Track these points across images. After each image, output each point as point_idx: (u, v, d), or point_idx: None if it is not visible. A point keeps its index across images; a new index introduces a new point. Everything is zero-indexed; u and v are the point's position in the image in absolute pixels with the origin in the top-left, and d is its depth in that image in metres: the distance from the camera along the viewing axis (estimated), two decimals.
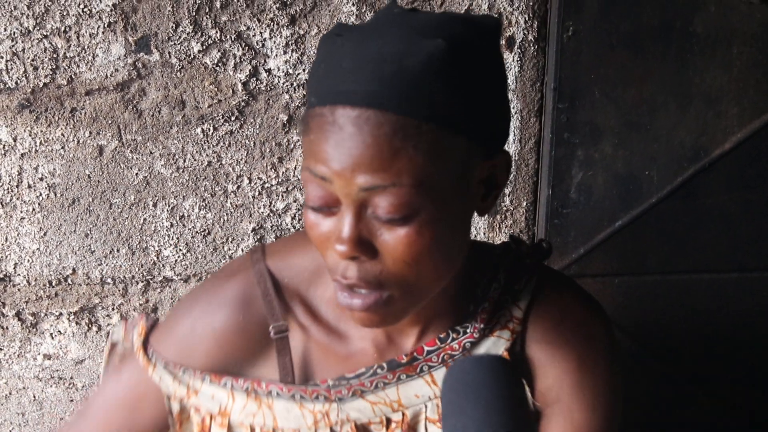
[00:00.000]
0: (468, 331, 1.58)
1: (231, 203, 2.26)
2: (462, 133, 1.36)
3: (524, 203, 2.41)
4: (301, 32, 2.16)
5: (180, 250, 2.28)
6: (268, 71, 2.17)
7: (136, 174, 2.21)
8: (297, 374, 1.61)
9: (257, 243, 2.29)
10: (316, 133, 1.34)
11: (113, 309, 2.32)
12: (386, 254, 1.35)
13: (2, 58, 2.09)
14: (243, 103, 2.19)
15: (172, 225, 2.26)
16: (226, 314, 1.58)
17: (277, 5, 2.13)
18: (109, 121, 2.16)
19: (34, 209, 2.21)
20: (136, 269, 2.29)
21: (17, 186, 2.19)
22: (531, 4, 2.21)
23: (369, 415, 1.63)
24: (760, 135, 2.37)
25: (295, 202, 2.27)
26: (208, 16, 2.12)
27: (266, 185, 2.25)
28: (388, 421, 1.64)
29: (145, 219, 2.25)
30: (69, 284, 2.28)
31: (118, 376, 1.68)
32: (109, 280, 2.29)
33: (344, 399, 1.61)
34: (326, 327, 1.61)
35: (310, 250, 1.63)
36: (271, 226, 2.28)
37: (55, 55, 2.10)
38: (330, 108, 1.32)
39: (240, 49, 2.15)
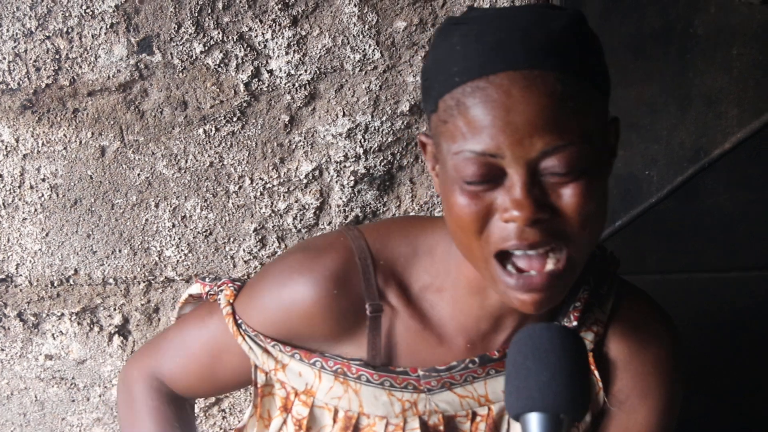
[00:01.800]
0: None
1: (233, 204, 2.27)
2: (602, 93, 1.41)
3: None
4: (303, 33, 2.16)
5: (182, 250, 2.29)
6: (270, 72, 2.18)
7: (138, 174, 2.21)
8: (383, 355, 1.62)
9: (257, 243, 2.30)
10: (475, 108, 1.33)
11: (115, 309, 2.32)
12: (564, 211, 1.36)
13: (5, 59, 2.09)
14: (245, 104, 2.19)
15: (173, 225, 2.26)
16: (320, 287, 1.57)
17: (279, 6, 2.13)
18: (111, 122, 2.16)
19: (36, 210, 2.21)
20: (138, 270, 2.29)
21: (19, 187, 2.19)
22: (532, 4, 2.22)
23: (456, 407, 1.65)
24: (759, 135, 2.38)
25: (296, 202, 2.27)
26: (210, 17, 2.12)
27: (268, 186, 2.25)
28: (474, 414, 1.66)
29: (146, 219, 2.25)
30: (71, 285, 2.28)
31: (202, 323, 1.73)
32: (111, 281, 2.29)
33: (433, 390, 1.63)
34: (419, 313, 1.62)
35: (407, 235, 1.64)
36: (273, 227, 2.29)
37: (57, 56, 2.11)
38: (488, 78, 1.33)
39: (242, 50, 2.15)
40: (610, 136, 1.48)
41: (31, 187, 2.19)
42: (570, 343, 1.27)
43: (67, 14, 2.08)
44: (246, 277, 2.32)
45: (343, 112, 2.22)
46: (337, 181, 2.27)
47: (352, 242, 1.61)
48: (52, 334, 2.33)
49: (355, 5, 2.16)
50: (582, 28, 1.40)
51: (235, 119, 2.20)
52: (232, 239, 2.30)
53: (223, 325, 1.68)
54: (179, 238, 2.28)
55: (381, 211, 2.32)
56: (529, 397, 1.22)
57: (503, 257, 1.40)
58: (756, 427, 2.65)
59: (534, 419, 1.22)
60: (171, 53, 2.14)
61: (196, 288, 1.79)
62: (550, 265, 1.39)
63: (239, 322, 1.65)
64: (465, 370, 1.62)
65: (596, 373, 1.67)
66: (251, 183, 2.25)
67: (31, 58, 2.10)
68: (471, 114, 1.33)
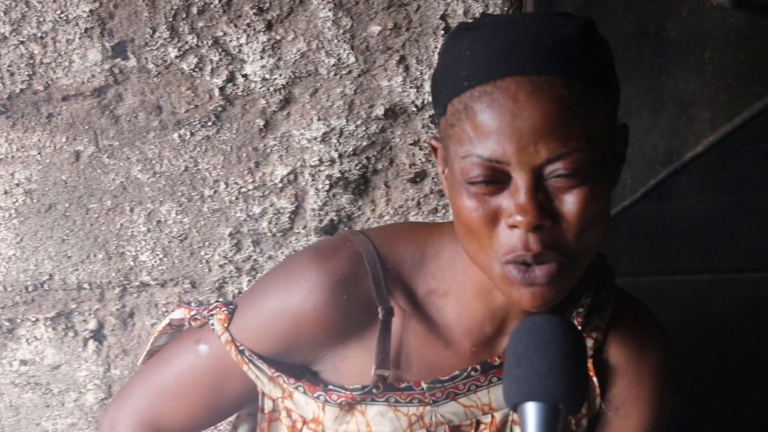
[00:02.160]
0: None
1: (208, 208, 2.27)
2: (611, 100, 1.43)
3: None
4: (278, 38, 2.17)
5: (157, 254, 2.28)
6: (245, 76, 2.18)
7: (113, 179, 2.21)
8: (393, 360, 1.61)
9: (232, 247, 2.30)
10: (482, 113, 1.34)
11: (90, 314, 2.32)
12: (566, 217, 1.37)
13: None
14: (220, 109, 2.19)
15: (148, 230, 2.26)
16: (329, 292, 1.56)
17: (254, 11, 2.14)
18: (86, 127, 2.16)
19: (10, 215, 2.21)
20: (113, 274, 2.29)
21: None
22: (506, 9, 2.23)
23: (461, 417, 1.65)
24: (731, 138, 2.40)
25: (271, 206, 2.27)
26: (184, 22, 2.12)
27: (243, 190, 2.26)
28: (478, 423, 1.67)
29: (121, 224, 2.25)
30: (45, 290, 2.28)
31: (194, 355, 1.66)
32: (85, 286, 2.28)
33: (438, 402, 1.63)
34: (425, 317, 1.62)
35: (413, 240, 1.64)
36: (248, 231, 2.29)
37: (31, 61, 2.10)
38: (495, 83, 1.34)
39: (217, 54, 2.15)
40: (619, 143, 1.49)
41: (6, 192, 2.18)
42: (570, 335, 1.29)
43: (41, 19, 2.08)
44: (221, 281, 2.32)
45: (318, 117, 2.23)
46: (312, 185, 2.27)
47: (359, 246, 1.61)
48: (27, 340, 2.32)
49: (329, 10, 2.16)
50: (591, 34, 1.42)
51: (210, 124, 2.20)
52: (207, 243, 2.30)
53: (221, 353, 1.63)
54: (154, 243, 2.27)
55: (356, 215, 2.33)
56: (529, 386, 1.23)
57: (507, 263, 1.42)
58: (731, 428, 2.67)
59: (533, 408, 1.23)
60: (146, 58, 2.14)
61: (179, 313, 1.71)
62: (552, 269, 1.40)
63: (241, 348, 1.61)
64: (468, 378, 1.63)
65: (594, 379, 1.69)
66: (226, 187, 2.25)
67: (5, 63, 2.09)
68: (478, 118, 1.35)
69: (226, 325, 1.63)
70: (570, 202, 1.37)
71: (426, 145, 2.29)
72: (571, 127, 1.33)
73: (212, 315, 1.65)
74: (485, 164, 1.35)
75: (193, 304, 1.70)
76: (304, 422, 1.65)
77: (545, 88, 1.33)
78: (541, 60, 1.34)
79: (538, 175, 1.35)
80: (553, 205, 1.37)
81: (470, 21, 1.47)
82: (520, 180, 1.35)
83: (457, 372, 1.63)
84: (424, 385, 1.62)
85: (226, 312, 1.65)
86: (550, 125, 1.32)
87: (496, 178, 1.37)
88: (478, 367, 1.63)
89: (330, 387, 1.62)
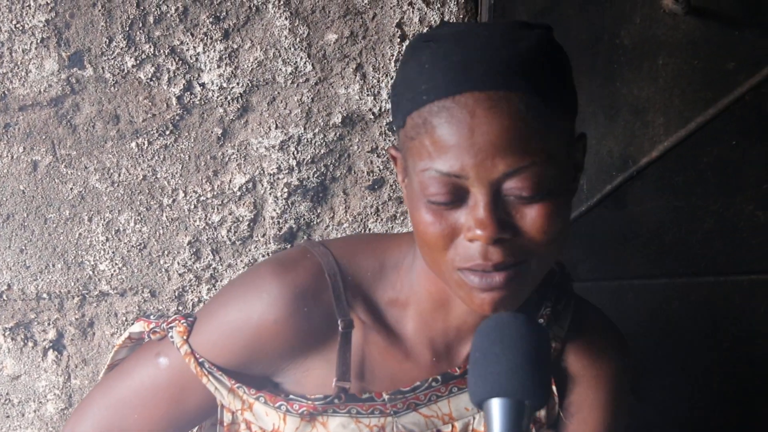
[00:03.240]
0: None
1: (166, 217, 2.27)
2: (568, 113, 1.44)
3: None
4: (235, 46, 2.17)
5: (116, 264, 2.28)
6: (202, 85, 2.19)
7: (71, 189, 2.21)
8: (354, 372, 1.61)
9: (191, 256, 2.30)
10: (441, 128, 1.35)
11: (49, 324, 2.31)
12: (526, 231, 1.39)
13: None
14: (177, 117, 2.20)
15: (107, 239, 2.26)
16: (290, 304, 1.55)
17: (211, 20, 2.14)
18: (43, 137, 2.16)
19: None
20: (72, 284, 2.28)
21: None
22: (461, 17, 2.24)
23: (422, 427, 1.65)
24: (685, 143, 2.42)
25: (230, 214, 2.28)
26: (141, 31, 2.12)
27: (201, 198, 2.26)
28: None
29: (80, 234, 2.25)
30: (4, 300, 2.27)
31: (154, 367, 1.65)
32: (44, 296, 2.28)
33: (399, 412, 1.63)
34: (385, 328, 1.62)
35: (373, 252, 1.64)
36: (207, 239, 2.29)
37: None
38: (454, 98, 1.34)
39: (174, 63, 2.16)
40: (577, 153, 1.51)
41: None
42: (536, 331, 1.30)
43: None
44: (181, 290, 2.32)
45: (276, 125, 2.23)
46: (270, 193, 2.28)
47: (320, 258, 1.61)
48: None
49: (286, 18, 2.17)
50: (550, 47, 1.43)
51: (167, 132, 2.20)
52: (166, 252, 2.30)
53: (181, 366, 1.62)
54: (113, 252, 2.27)
55: (315, 222, 2.33)
56: (496, 382, 1.23)
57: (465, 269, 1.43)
58: (688, 431, 2.69)
59: (499, 405, 1.23)
60: (102, 67, 2.14)
61: (138, 327, 1.70)
62: (511, 273, 1.42)
63: (201, 360, 1.61)
64: (429, 389, 1.63)
65: (554, 387, 1.70)
66: (185, 196, 2.25)
67: None
68: (437, 134, 1.35)
69: (185, 337, 1.63)
70: (530, 217, 1.38)
71: (384, 152, 2.30)
72: (528, 141, 1.34)
73: (171, 327, 1.65)
74: (444, 179, 1.36)
75: (152, 317, 1.70)
76: None
77: (502, 103, 1.33)
78: (498, 75, 1.35)
79: (496, 190, 1.37)
80: (513, 220, 1.39)
81: (429, 32, 1.47)
82: (478, 195, 1.36)
83: (418, 383, 1.63)
84: (385, 396, 1.62)
85: (185, 324, 1.65)
86: (508, 140, 1.33)
87: (455, 194, 1.38)
88: (439, 377, 1.64)
89: (291, 396, 1.62)
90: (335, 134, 2.27)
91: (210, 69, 2.18)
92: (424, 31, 2.20)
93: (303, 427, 1.62)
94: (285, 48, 2.19)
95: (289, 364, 1.62)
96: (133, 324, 1.72)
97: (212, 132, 2.22)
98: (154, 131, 2.20)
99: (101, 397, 1.70)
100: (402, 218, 2.36)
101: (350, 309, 1.60)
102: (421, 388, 1.63)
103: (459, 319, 1.62)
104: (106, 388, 1.70)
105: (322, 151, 2.27)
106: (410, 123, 1.41)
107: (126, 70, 2.15)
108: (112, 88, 2.15)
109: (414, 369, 1.64)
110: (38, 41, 2.10)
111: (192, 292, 2.34)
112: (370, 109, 2.26)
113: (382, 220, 2.36)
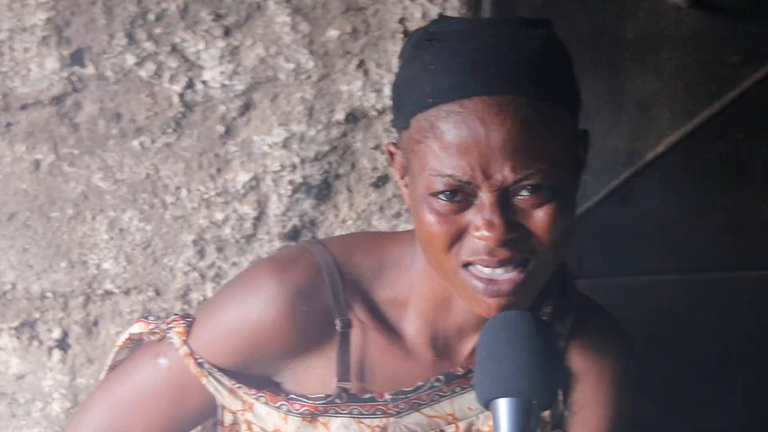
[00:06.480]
0: None
1: (170, 215, 2.26)
2: (573, 112, 1.43)
3: None
4: (236, 43, 2.17)
5: (120, 262, 2.28)
6: (204, 83, 2.18)
7: (74, 188, 2.21)
8: (354, 372, 1.60)
9: (196, 254, 2.30)
10: (449, 133, 1.34)
11: (54, 323, 2.31)
12: (533, 232, 1.38)
13: None
14: (180, 115, 2.19)
15: (111, 238, 2.26)
16: (290, 303, 1.54)
17: (212, 17, 2.14)
18: (45, 135, 2.16)
19: None
20: (76, 283, 2.28)
21: None
22: (463, 12, 2.23)
23: (425, 428, 1.64)
24: (691, 138, 2.40)
25: (234, 212, 2.27)
26: (142, 29, 2.12)
27: (205, 196, 2.26)
28: None
29: (83, 232, 2.25)
30: (9, 299, 2.27)
31: (154, 369, 1.64)
32: (49, 295, 2.28)
33: (402, 413, 1.62)
34: (385, 327, 1.61)
35: (371, 250, 1.63)
36: (211, 238, 2.29)
37: None
38: (461, 102, 1.34)
39: (175, 61, 2.16)
40: (580, 150, 1.50)
41: None
42: (543, 330, 1.29)
43: None
44: (185, 288, 2.32)
45: (279, 122, 2.23)
46: (274, 191, 2.28)
47: (318, 257, 1.59)
48: None
49: (287, 15, 2.17)
50: (555, 47, 1.42)
51: (170, 130, 2.20)
52: (170, 251, 2.29)
53: (180, 367, 1.61)
54: (117, 251, 2.27)
55: (319, 220, 2.33)
56: (503, 381, 1.23)
57: (470, 263, 1.42)
58: (696, 429, 2.67)
59: (506, 404, 1.23)
60: (104, 65, 2.14)
61: (137, 327, 1.68)
62: (516, 274, 1.40)
63: (200, 361, 1.60)
64: (431, 389, 1.62)
65: None
66: (188, 194, 2.25)
67: None
68: (445, 139, 1.34)
69: (184, 338, 1.61)
70: (538, 218, 1.37)
71: None
72: (537, 146, 1.34)
73: (170, 328, 1.63)
74: (451, 183, 1.35)
75: (151, 318, 1.69)
76: None
77: (511, 108, 1.33)
78: (506, 79, 1.34)
79: (504, 193, 1.36)
80: (520, 220, 1.38)
81: (431, 28, 1.45)
82: (486, 199, 1.35)
83: (420, 383, 1.62)
84: (387, 396, 1.61)
85: (184, 325, 1.63)
86: (517, 145, 1.32)
87: (462, 196, 1.37)
88: (441, 377, 1.62)
89: (292, 396, 1.61)
90: (338, 131, 2.26)
91: (212, 66, 2.18)
92: None
93: (304, 427, 1.61)
94: (287, 45, 2.19)
95: (288, 364, 1.61)
96: (132, 325, 1.71)
97: (215, 130, 2.22)
98: (157, 129, 2.19)
99: (102, 399, 1.69)
100: (407, 215, 2.35)
101: (349, 308, 1.58)
102: (423, 388, 1.62)
103: (460, 318, 1.60)
104: (107, 391, 1.69)
105: (326, 149, 2.27)
106: (415, 125, 1.40)
107: (127, 68, 2.15)
108: (114, 86, 2.16)
109: (415, 368, 1.63)
110: (39, 40, 2.10)
111: (197, 290, 2.33)
112: (373, 106, 2.26)
113: (386, 217, 2.35)
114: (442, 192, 1.37)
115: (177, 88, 2.17)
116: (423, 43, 1.42)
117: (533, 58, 1.36)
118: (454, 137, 1.34)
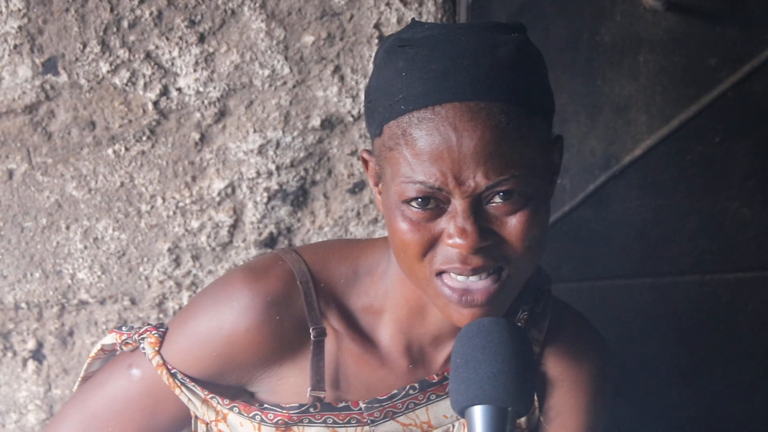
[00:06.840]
0: None
1: (145, 223, 2.25)
2: (546, 117, 1.44)
3: None
4: (211, 50, 2.15)
5: (95, 272, 2.26)
6: (179, 90, 2.17)
7: (48, 197, 2.19)
8: (328, 381, 1.60)
9: (171, 263, 2.28)
10: (421, 140, 1.34)
11: (28, 334, 2.29)
12: (507, 239, 1.38)
13: None
14: (154, 123, 2.18)
15: (85, 247, 2.24)
16: (262, 313, 1.54)
17: (186, 23, 2.12)
18: (18, 144, 2.14)
19: None
20: (51, 293, 2.26)
21: None
22: (439, 17, 2.23)
23: None
24: (668, 141, 2.40)
25: (210, 220, 2.26)
26: (115, 36, 2.10)
27: (180, 204, 2.24)
28: None
29: (58, 242, 2.23)
30: None
31: (127, 379, 1.63)
32: (23, 305, 2.26)
33: (377, 421, 1.62)
34: (360, 335, 1.61)
35: (346, 257, 1.63)
36: (187, 246, 2.28)
37: None
38: (434, 109, 1.34)
39: (149, 68, 2.14)
40: (554, 155, 1.50)
41: None
42: (518, 337, 1.29)
43: None
44: (161, 297, 2.30)
45: (254, 129, 2.22)
46: (250, 198, 2.26)
47: (291, 265, 1.59)
48: None
49: (262, 21, 2.15)
50: (527, 51, 1.42)
51: (144, 138, 2.18)
52: (145, 259, 2.28)
53: (153, 377, 1.60)
54: (92, 260, 2.25)
55: (295, 227, 2.32)
56: (478, 388, 1.23)
57: (443, 271, 1.42)
58: (672, 430, 2.68)
59: (482, 412, 1.22)
60: (77, 73, 2.12)
61: (110, 338, 1.67)
62: (490, 283, 1.40)
63: (173, 371, 1.59)
64: (406, 397, 1.62)
65: None
66: (163, 202, 2.24)
67: None
68: (417, 146, 1.34)
69: (157, 348, 1.61)
70: (511, 226, 1.38)
71: None
72: (509, 152, 1.34)
73: (143, 339, 1.62)
74: (424, 190, 1.35)
75: (124, 328, 1.67)
76: None
77: (483, 114, 1.33)
78: (478, 85, 1.34)
79: (477, 200, 1.36)
80: (493, 227, 1.38)
81: (403, 34, 1.44)
82: (459, 206, 1.35)
83: (395, 391, 1.62)
84: (362, 405, 1.60)
85: (156, 335, 1.62)
86: (489, 152, 1.32)
87: (435, 204, 1.37)
88: (416, 385, 1.62)
89: (266, 406, 1.61)
90: (314, 137, 2.25)
91: (186, 73, 2.16)
92: None
93: None
94: (261, 51, 2.17)
95: (262, 373, 1.60)
96: (105, 336, 1.70)
97: (190, 137, 2.20)
98: (131, 137, 2.18)
99: (75, 411, 1.67)
100: (383, 221, 2.34)
101: (323, 317, 1.58)
102: (398, 396, 1.61)
103: (435, 325, 1.60)
104: (80, 402, 1.68)
105: (302, 155, 2.26)
106: (388, 132, 1.40)
107: (101, 76, 2.13)
108: (88, 94, 2.13)
109: (390, 376, 1.62)
110: (11, 48, 2.07)
111: (173, 299, 2.32)
112: (349, 112, 2.25)
113: (363, 223, 2.35)
114: (414, 199, 1.36)
115: (151, 95, 2.15)
116: (395, 49, 1.42)
117: (505, 63, 1.36)
118: (426, 144, 1.34)
